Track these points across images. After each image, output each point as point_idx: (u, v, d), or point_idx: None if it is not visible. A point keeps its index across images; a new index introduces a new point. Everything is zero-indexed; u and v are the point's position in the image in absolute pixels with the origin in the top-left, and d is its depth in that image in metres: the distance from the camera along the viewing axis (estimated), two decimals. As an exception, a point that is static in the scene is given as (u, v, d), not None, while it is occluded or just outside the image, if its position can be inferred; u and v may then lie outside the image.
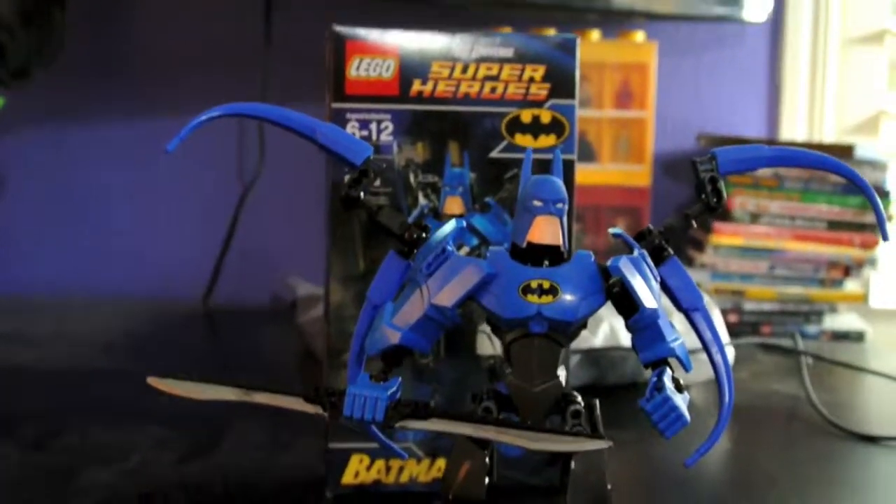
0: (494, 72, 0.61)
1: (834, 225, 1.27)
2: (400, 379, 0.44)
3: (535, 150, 0.53)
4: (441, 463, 0.62)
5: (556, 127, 0.62)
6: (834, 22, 1.45)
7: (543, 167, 0.59)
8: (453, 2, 1.27)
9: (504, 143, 0.62)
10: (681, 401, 0.43)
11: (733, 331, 1.17)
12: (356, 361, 0.47)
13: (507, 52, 0.62)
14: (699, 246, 1.29)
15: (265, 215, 1.35)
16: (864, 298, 1.32)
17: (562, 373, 0.46)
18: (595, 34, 1.30)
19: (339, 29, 0.60)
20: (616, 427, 0.51)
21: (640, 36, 1.31)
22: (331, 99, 0.60)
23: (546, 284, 0.44)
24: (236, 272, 1.36)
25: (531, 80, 0.62)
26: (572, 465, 0.45)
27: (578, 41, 0.62)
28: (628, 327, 0.46)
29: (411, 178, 0.62)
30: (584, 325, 0.46)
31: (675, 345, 0.45)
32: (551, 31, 1.30)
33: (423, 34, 0.61)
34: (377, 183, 0.58)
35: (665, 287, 0.47)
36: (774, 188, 1.26)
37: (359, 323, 0.47)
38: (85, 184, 1.37)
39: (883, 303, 1.43)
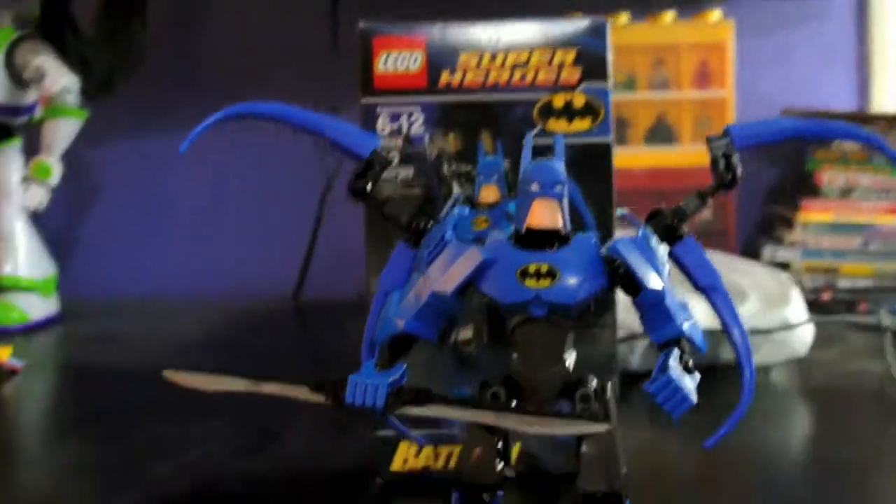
0: (524, 59, 0.61)
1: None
2: (404, 366, 0.45)
3: (568, 135, 0.53)
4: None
5: (589, 110, 0.62)
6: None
7: (587, 152, 0.59)
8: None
9: (537, 130, 0.62)
10: (688, 381, 0.43)
11: (827, 309, 1.13)
12: (368, 349, 0.48)
13: (536, 39, 0.61)
14: (788, 223, 1.26)
15: (348, 210, 1.37)
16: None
17: (570, 357, 0.45)
18: (669, 16, 1.28)
19: (365, 25, 0.61)
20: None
21: (715, 15, 1.28)
22: (360, 94, 0.61)
23: (544, 268, 0.44)
24: (323, 269, 1.39)
25: (562, 64, 0.61)
26: (583, 448, 0.45)
27: (609, 24, 0.62)
28: (637, 309, 0.45)
29: (444, 169, 0.62)
30: (588, 309, 0.45)
31: (685, 325, 0.44)
32: (623, 16, 1.29)
33: (449, 25, 0.61)
34: (410, 174, 0.59)
35: (681, 267, 0.47)
36: (864, 162, 1.21)
37: (370, 312, 0.48)
38: (170, 189, 1.43)
39: None
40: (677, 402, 0.42)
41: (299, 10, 1.39)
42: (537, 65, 0.61)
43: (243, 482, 0.65)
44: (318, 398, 0.43)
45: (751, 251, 1.28)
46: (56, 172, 1.24)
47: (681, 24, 1.29)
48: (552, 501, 0.59)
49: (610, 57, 0.61)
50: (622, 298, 0.47)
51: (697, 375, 0.44)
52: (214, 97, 1.35)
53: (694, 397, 0.42)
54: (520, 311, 0.44)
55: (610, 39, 0.62)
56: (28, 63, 1.19)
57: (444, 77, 0.61)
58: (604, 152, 0.61)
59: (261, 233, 1.43)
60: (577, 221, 0.55)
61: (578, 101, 0.62)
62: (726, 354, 0.86)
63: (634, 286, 0.44)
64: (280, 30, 1.40)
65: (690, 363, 0.44)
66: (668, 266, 0.46)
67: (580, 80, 0.61)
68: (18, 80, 1.20)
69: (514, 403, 0.44)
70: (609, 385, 0.47)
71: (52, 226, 1.33)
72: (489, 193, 0.62)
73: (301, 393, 0.44)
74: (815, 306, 1.03)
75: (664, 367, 0.43)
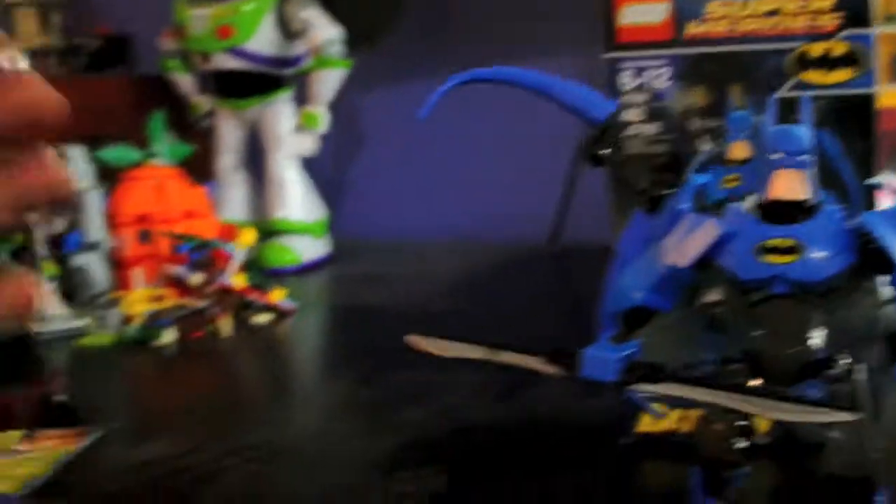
0: (777, 5, 0.58)
1: None
2: (640, 340, 0.44)
3: (827, 87, 0.50)
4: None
5: (850, 59, 0.57)
6: None
7: (847, 106, 0.56)
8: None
9: (793, 82, 0.58)
10: None
11: None
12: (604, 318, 0.48)
13: (791, -17, 0.58)
14: None
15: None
16: None
17: (817, 336, 0.43)
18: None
19: (608, -22, 0.60)
20: None
21: None
22: (603, 49, 0.60)
23: (787, 243, 0.41)
24: (578, 215, 1.38)
25: (819, 10, 0.57)
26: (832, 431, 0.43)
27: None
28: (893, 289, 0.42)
29: (692, 125, 0.60)
30: (840, 285, 0.42)
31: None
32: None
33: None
34: (655, 131, 0.58)
35: None
36: None
37: (608, 280, 0.48)
38: (431, 135, 1.46)
39: None
40: None
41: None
42: (792, 11, 0.58)
43: (495, 430, 0.67)
44: (553, 369, 0.44)
45: None
46: (324, 120, 1.31)
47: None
48: (804, 479, 0.56)
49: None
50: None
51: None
52: (472, 45, 1.39)
53: None
54: (761, 288, 0.42)
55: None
56: (295, 16, 1.26)
57: (691, 28, 0.59)
58: (866, 106, 0.56)
59: (518, 177, 1.44)
60: (838, 186, 0.52)
61: (838, 49, 0.57)
62: None
63: (887, 263, 0.41)
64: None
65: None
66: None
67: (840, 27, 0.57)
68: (287, 32, 1.27)
69: (754, 383, 0.43)
70: (859, 367, 0.44)
71: (321, 171, 1.39)
72: (740, 150, 0.60)
73: (537, 363, 0.44)
74: None
75: None
